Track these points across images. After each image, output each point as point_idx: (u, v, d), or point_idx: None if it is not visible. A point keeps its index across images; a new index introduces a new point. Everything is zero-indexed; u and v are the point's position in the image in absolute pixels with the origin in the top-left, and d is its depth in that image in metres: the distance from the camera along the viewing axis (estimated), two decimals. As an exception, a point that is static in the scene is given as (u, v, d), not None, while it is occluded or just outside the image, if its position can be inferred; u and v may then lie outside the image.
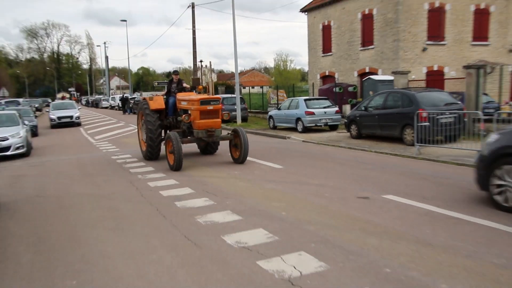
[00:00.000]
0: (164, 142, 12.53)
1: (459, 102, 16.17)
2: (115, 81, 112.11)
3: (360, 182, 9.36)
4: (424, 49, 26.43)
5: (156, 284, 4.63)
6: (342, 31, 30.43)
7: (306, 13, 34.24)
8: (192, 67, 42.05)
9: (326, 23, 32.00)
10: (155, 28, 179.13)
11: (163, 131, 13.60)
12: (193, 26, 37.92)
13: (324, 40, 32.38)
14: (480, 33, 27.88)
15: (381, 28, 26.94)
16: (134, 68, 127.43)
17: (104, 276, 4.91)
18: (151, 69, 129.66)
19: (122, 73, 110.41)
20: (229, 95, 29.63)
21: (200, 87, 13.81)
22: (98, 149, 17.42)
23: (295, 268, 4.84)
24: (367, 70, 28.14)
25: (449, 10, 26.90)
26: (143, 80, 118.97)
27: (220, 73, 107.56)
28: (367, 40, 28.23)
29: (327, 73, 32.40)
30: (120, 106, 48.30)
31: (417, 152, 12.84)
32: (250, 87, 47.35)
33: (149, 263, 5.19)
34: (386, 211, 7.06)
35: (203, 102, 11.83)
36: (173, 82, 13.80)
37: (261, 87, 40.42)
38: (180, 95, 13.08)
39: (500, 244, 5.45)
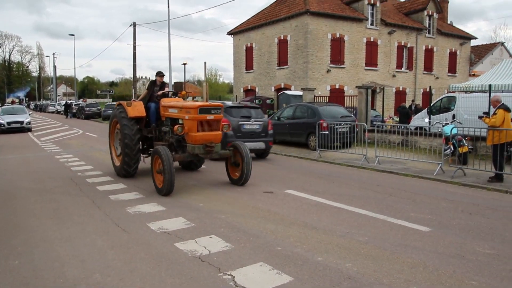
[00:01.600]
0: (146, 157, 10.13)
1: (352, 115, 17.22)
2: (62, 88, 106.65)
3: (268, 179, 9.80)
4: (328, 71, 27.74)
5: (88, 262, 4.76)
6: (262, 52, 31.18)
7: (232, 35, 34.71)
8: (132, 77, 41.68)
9: (249, 45, 32.63)
10: (100, 42, 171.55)
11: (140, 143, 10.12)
12: (134, 42, 37.47)
13: (247, 59, 33.00)
14: (371, 60, 29.79)
15: (294, 51, 27.93)
16: (80, 77, 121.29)
17: (43, 256, 4.96)
18: (95, 78, 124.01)
19: (69, 81, 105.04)
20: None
21: (184, 92, 10.44)
22: (43, 149, 16.74)
23: (205, 248, 5.13)
24: (282, 86, 29.03)
25: (347, 40, 28.46)
26: (88, 88, 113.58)
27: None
28: (282, 60, 29.15)
29: (249, 87, 33.03)
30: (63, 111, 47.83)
31: (318, 155, 13.52)
32: (184, 97, 47.04)
33: (83, 246, 5.29)
34: (285, 202, 7.52)
35: (203, 110, 8.45)
36: (156, 85, 10.27)
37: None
38: (166, 101, 9.69)
39: (367, 226, 6.07)
